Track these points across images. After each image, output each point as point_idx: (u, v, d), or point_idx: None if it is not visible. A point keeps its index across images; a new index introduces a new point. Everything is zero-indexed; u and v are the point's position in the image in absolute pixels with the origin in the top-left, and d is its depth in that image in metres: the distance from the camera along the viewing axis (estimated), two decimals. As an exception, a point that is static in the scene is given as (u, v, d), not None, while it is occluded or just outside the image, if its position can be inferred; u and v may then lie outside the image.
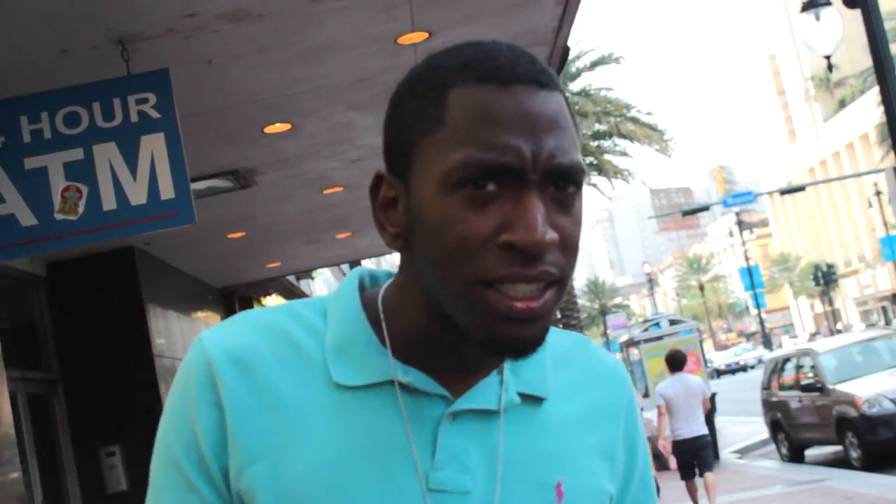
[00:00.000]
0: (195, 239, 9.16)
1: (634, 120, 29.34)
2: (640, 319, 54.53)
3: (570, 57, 24.90)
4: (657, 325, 19.87)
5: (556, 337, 1.33)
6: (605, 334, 64.11)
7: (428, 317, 1.17)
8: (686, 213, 38.88)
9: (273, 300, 14.55)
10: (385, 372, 1.18)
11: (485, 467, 1.19)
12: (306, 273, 15.56)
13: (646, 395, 17.68)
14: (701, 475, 11.20)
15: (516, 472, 1.20)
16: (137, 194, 5.55)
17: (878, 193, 53.03)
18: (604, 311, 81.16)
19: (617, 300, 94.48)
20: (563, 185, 1.10)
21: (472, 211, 1.07)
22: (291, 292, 15.38)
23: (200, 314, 11.31)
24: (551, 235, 1.07)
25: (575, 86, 28.81)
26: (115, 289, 8.87)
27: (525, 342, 1.10)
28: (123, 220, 5.64)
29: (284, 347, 1.19)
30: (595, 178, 30.18)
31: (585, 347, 1.35)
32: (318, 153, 7.53)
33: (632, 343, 20.63)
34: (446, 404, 1.19)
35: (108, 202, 5.56)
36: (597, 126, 29.11)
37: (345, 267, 25.40)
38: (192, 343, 1.23)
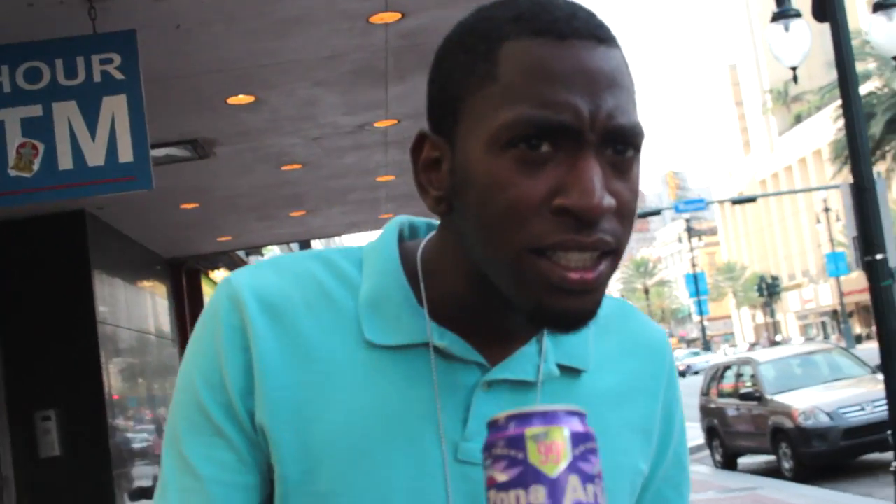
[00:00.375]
0: (148, 207, 9.04)
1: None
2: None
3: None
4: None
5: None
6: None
7: (470, 282, 1.10)
8: (637, 217, 39.07)
9: (221, 274, 14.43)
10: (420, 334, 1.12)
11: None
12: (257, 249, 15.46)
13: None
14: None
15: None
16: (95, 156, 5.46)
17: (826, 210, 53.73)
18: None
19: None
20: (621, 147, 1.03)
21: (523, 173, 1.01)
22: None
23: (147, 283, 11.19)
24: (609, 201, 1.00)
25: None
26: (63, 252, 8.73)
27: (577, 315, 1.03)
28: (79, 181, 5.54)
29: (318, 298, 1.13)
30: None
31: (628, 314, 1.28)
32: (281, 128, 7.46)
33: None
34: (482, 372, 1.13)
35: (65, 161, 5.46)
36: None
37: (294, 246, 25.32)
38: (220, 284, 1.16)
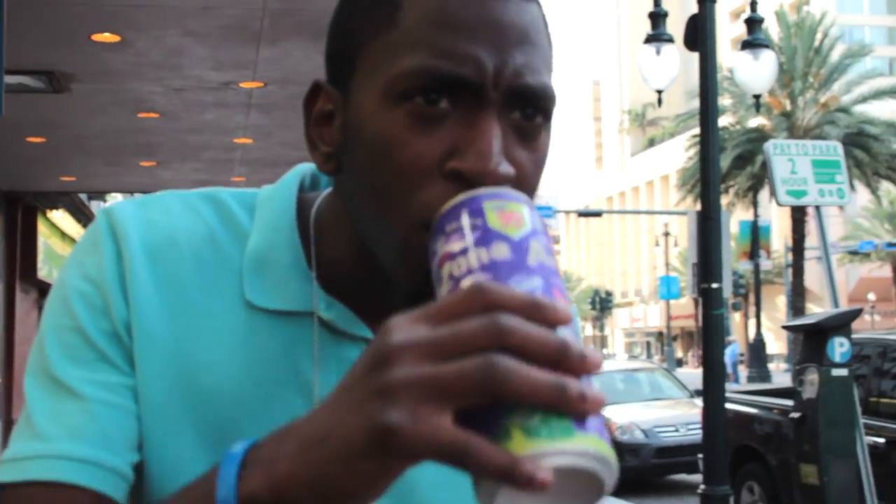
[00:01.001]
0: (-8, 134, 8.72)
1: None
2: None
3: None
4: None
5: None
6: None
7: (358, 251, 1.01)
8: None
9: (60, 215, 14.00)
10: (306, 301, 1.02)
11: None
12: (100, 195, 15.06)
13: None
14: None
15: None
16: (-57, 73, 5.23)
17: (666, 234, 55.21)
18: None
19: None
20: (530, 111, 0.93)
21: (417, 131, 0.90)
22: (81, 211, 14.84)
23: (-20, 213, 10.78)
24: (506, 168, 0.89)
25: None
26: None
27: None
28: (-79, 96, 5.30)
29: (204, 245, 1.03)
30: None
31: None
32: (143, 74, 7.25)
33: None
34: None
35: None
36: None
37: (138, 195, 24.76)
38: (101, 212, 1.05)
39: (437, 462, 0.71)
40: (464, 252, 0.78)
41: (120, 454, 0.96)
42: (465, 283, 0.77)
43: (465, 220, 0.80)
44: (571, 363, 0.71)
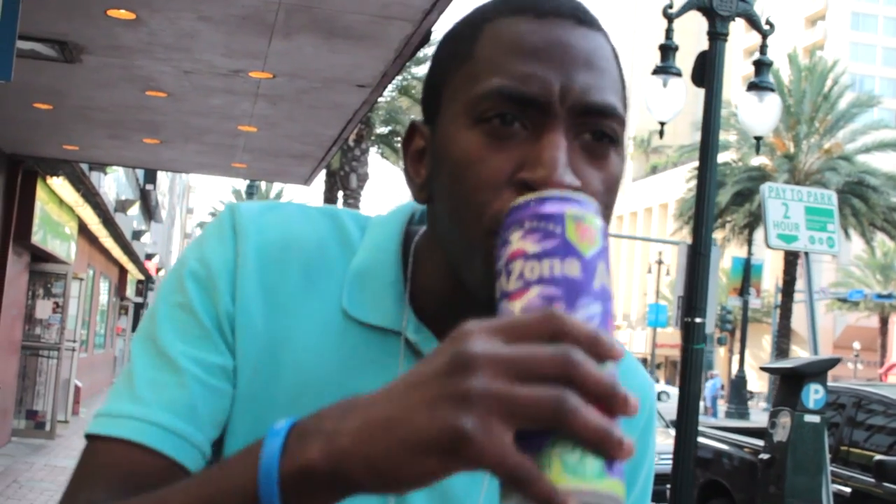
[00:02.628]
0: (0, 97, 8.75)
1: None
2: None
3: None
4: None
5: None
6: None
7: (446, 278, 1.08)
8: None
9: (59, 183, 14.01)
10: (397, 320, 1.10)
11: None
12: (101, 166, 15.06)
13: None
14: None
15: None
16: (-43, 33, 5.28)
17: (660, 262, 55.27)
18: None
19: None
20: (599, 133, 1.00)
21: (493, 148, 0.98)
22: (80, 181, 14.85)
23: (-21, 173, 10.81)
24: (571, 180, 0.94)
25: (417, 70, 28.90)
26: None
27: None
28: (-67, 55, 5.35)
29: (314, 251, 1.12)
30: (392, 163, 30.40)
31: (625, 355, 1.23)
32: (154, 53, 7.30)
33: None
34: None
35: (-76, 32, 5.27)
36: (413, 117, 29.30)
37: (140, 173, 24.74)
38: (228, 207, 1.15)
39: (492, 475, 0.75)
40: (538, 257, 0.82)
41: (204, 430, 1.05)
42: (535, 290, 0.81)
43: (546, 223, 0.84)
44: (617, 405, 0.75)
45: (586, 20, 1.03)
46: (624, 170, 1.05)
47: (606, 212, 1.01)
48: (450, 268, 1.06)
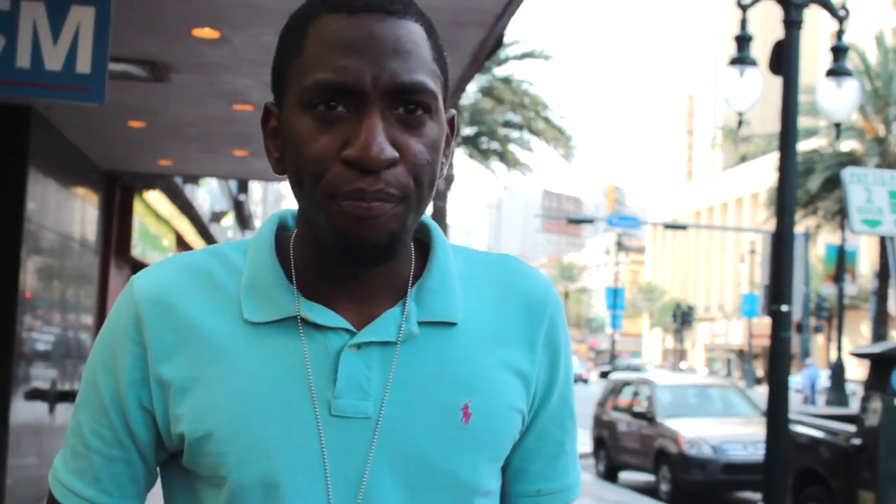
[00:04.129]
0: (96, 117, 9.08)
1: (547, 120, 29.69)
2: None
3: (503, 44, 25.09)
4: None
5: (477, 257, 1.40)
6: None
7: (315, 244, 1.26)
8: (572, 221, 39.57)
9: (156, 196, 14.42)
10: (290, 308, 1.27)
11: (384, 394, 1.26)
12: (194, 179, 15.45)
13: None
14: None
15: (420, 396, 1.27)
16: (53, 60, 5.55)
17: (752, 252, 54.62)
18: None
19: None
20: (412, 107, 1.19)
21: (321, 130, 1.18)
22: (175, 194, 15.25)
23: (80, 190, 11.19)
24: (389, 153, 1.16)
25: (499, 71, 28.99)
26: (3, 143, 8.74)
27: (372, 244, 1.18)
28: (33, 82, 5.63)
29: (204, 285, 1.30)
30: (495, 163, 30.49)
31: (510, 267, 1.40)
32: (239, 69, 7.55)
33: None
34: (350, 336, 1.27)
35: (23, 60, 5.55)
36: (510, 115, 29.37)
37: (232, 184, 25.24)
38: (126, 285, 1.35)
39: None
40: None
41: (110, 494, 1.32)
42: None
43: None
44: None
45: (394, 10, 1.20)
46: (442, 133, 1.24)
47: (433, 167, 1.21)
48: (312, 235, 1.26)
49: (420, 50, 1.21)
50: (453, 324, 1.31)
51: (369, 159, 1.14)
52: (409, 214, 1.21)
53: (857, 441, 8.65)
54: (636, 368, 56.43)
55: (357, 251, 1.19)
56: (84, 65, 5.55)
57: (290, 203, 72.82)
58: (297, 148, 1.20)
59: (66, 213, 10.49)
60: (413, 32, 1.21)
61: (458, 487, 1.28)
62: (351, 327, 1.27)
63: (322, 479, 1.24)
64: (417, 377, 1.27)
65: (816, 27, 69.48)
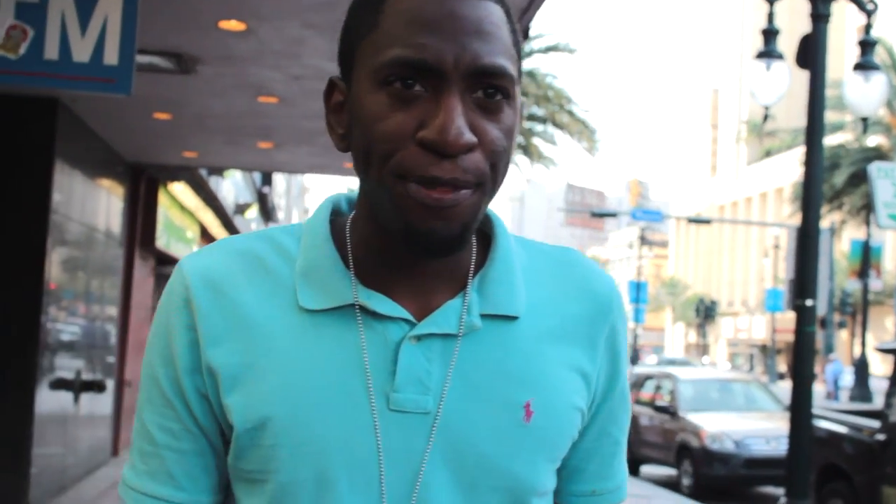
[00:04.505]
0: (122, 109, 9.13)
1: (571, 113, 29.64)
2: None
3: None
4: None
5: (538, 249, 1.36)
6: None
7: (377, 228, 1.22)
8: (595, 215, 39.62)
9: (181, 188, 14.47)
10: (347, 296, 1.22)
11: (444, 389, 1.21)
12: (218, 171, 15.49)
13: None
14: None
15: (481, 392, 1.22)
16: (81, 52, 5.58)
17: (776, 247, 54.38)
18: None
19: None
20: (491, 91, 1.14)
21: (396, 108, 1.13)
22: (200, 186, 15.30)
23: (105, 182, 11.25)
24: (468, 137, 1.11)
25: (524, 65, 28.94)
26: (30, 135, 8.80)
27: (442, 234, 1.14)
28: (61, 73, 5.66)
29: (257, 271, 1.25)
30: (518, 157, 30.45)
31: (573, 262, 1.36)
32: (265, 61, 7.57)
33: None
34: (410, 327, 1.22)
35: (51, 51, 5.58)
36: (534, 109, 29.33)
37: (256, 176, 25.30)
38: (174, 270, 1.30)
39: None
40: None
41: (184, 489, 1.28)
42: None
43: None
44: None
45: None
46: (518, 120, 1.20)
47: (508, 155, 1.17)
48: (375, 218, 1.21)
49: (501, 32, 1.17)
50: (515, 317, 1.27)
51: (447, 142, 1.10)
52: (483, 203, 1.17)
53: (881, 437, 8.61)
54: (684, 363, 56.20)
55: (426, 240, 1.14)
56: (111, 56, 5.57)
57: (314, 195, 72.88)
58: (367, 125, 1.15)
59: (92, 204, 10.55)
60: (494, 14, 1.17)
61: (516, 488, 1.24)
62: (411, 317, 1.23)
63: (376, 476, 1.20)
64: (478, 372, 1.23)
65: (843, 21, 69.00)
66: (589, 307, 1.32)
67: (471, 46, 1.12)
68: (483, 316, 1.25)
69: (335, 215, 1.34)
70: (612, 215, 39.37)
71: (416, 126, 1.12)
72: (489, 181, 1.15)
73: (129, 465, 1.31)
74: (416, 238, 1.14)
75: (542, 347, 1.27)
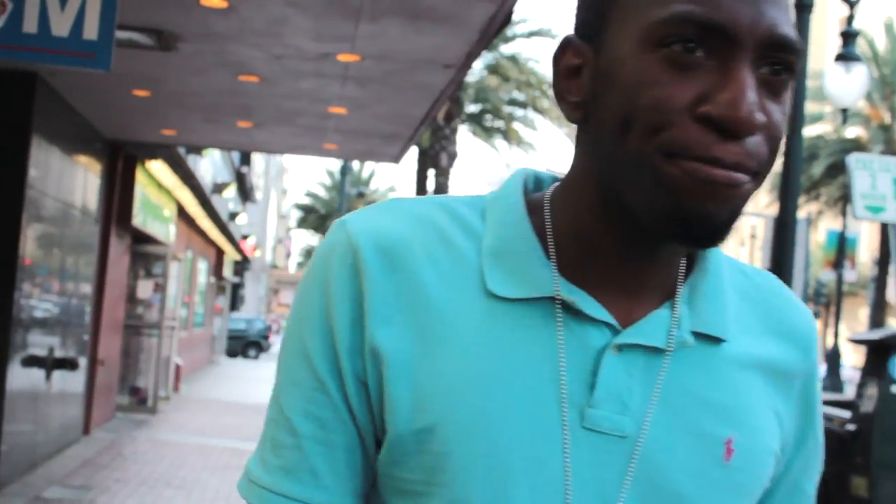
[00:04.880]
0: (101, 85, 9.07)
1: (551, 98, 29.64)
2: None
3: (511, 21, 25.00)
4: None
5: (738, 268, 1.16)
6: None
7: (596, 214, 1.03)
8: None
9: (158, 166, 14.41)
10: (547, 287, 1.03)
11: (647, 412, 1.03)
12: (197, 149, 15.44)
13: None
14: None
15: (683, 421, 1.04)
16: (60, 26, 5.55)
17: (752, 236, 54.59)
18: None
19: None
20: (778, 67, 0.95)
21: (672, 75, 0.94)
22: (178, 164, 15.24)
23: (83, 158, 11.19)
24: (760, 117, 0.92)
25: (506, 48, 28.92)
26: (7, 109, 8.74)
27: (713, 218, 0.95)
28: (39, 47, 5.63)
29: (438, 245, 1.06)
30: (498, 141, 30.48)
31: (773, 288, 1.18)
32: (246, 39, 7.53)
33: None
34: (612, 334, 1.04)
35: (30, 25, 5.54)
36: (515, 93, 29.33)
37: (235, 155, 25.22)
38: (334, 226, 1.09)
39: None
40: None
41: (328, 490, 1.05)
42: None
43: None
44: None
45: None
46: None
47: (778, 144, 0.99)
48: (604, 200, 1.02)
49: (788, 2, 0.99)
50: (721, 340, 1.08)
51: (739, 120, 0.91)
52: (752, 194, 0.98)
53: (851, 427, 8.67)
54: None
55: (699, 223, 0.95)
56: (91, 31, 5.54)
57: (293, 176, 72.58)
58: (631, 92, 0.95)
59: (68, 180, 10.50)
60: None
61: None
62: (616, 323, 1.04)
63: (561, 502, 1.01)
64: (683, 398, 1.05)
65: (825, 12, 69.25)
66: (789, 343, 1.14)
67: (769, 12, 0.94)
68: (692, 333, 1.07)
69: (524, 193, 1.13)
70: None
71: (694, 98, 0.93)
72: (765, 171, 0.97)
73: (258, 460, 1.09)
74: (686, 221, 0.95)
75: (746, 378, 1.09)
